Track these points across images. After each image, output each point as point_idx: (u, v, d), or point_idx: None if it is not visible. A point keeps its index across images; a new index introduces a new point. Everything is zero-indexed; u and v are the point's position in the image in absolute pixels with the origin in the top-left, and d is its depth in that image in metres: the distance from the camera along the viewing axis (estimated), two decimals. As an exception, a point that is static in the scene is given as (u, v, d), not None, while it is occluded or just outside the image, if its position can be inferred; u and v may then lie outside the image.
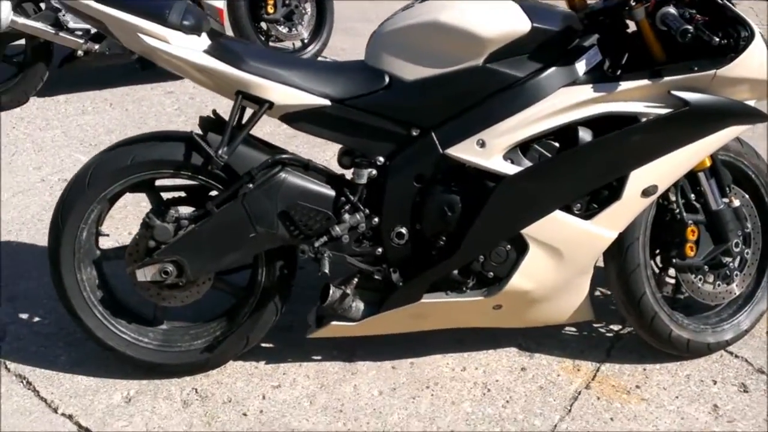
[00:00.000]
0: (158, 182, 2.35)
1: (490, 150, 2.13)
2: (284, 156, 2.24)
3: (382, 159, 2.21)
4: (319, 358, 2.51)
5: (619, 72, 2.12)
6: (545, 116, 2.11)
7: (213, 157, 2.13)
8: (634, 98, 2.10)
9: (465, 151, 2.14)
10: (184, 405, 2.33)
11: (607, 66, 2.16)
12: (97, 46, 4.31)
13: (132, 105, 4.56)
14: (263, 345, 2.52)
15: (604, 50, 2.17)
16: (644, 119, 2.10)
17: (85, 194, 2.24)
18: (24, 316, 2.70)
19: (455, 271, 2.25)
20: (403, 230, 2.22)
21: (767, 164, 2.49)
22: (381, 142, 2.20)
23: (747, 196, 2.45)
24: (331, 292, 2.25)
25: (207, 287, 2.34)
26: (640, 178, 2.14)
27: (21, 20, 4.18)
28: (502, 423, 2.26)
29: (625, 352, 2.53)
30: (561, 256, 2.21)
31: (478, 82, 2.12)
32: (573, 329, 2.63)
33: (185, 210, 2.29)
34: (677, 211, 2.30)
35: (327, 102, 2.16)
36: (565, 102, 2.10)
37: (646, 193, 2.16)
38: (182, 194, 2.40)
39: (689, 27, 1.94)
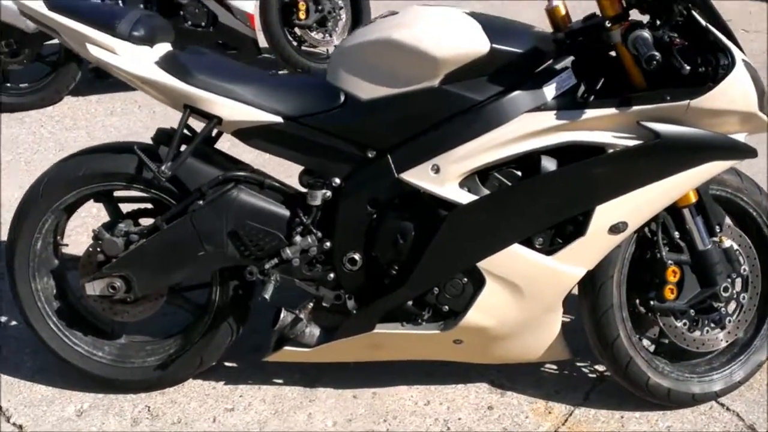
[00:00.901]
0: (118, 194, 2.30)
1: (445, 176, 1.99)
2: (238, 173, 2.16)
3: (338, 180, 2.10)
4: (280, 381, 2.42)
5: (592, 98, 1.95)
6: (505, 143, 1.96)
7: (155, 172, 2.06)
8: (601, 127, 1.93)
9: (419, 177, 2.01)
10: (133, 423, 2.28)
11: (582, 92, 1.99)
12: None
13: (159, 108, 4.54)
14: (227, 364, 2.46)
15: (581, 74, 2.00)
16: (611, 150, 1.93)
17: (39, 204, 2.22)
18: (2, 318, 2.71)
19: (410, 302, 2.12)
20: (356, 256, 2.11)
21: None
22: (336, 163, 2.10)
23: (745, 235, 2.23)
24: (282, 315, 2.16)
25: (160, 303, 2.28)
26: (606, 213, 1.97)
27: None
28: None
29: (605, 396, 2.34)
30: (521, 293, 2.05)
31: (433, 105, 1.99)
32: (553, 366, 2.46)
33: (145, 222, 2.24)
34: (657, 249, 2.11)
35: (279, 119, 2.07)
36: (528, 128, 1.94)
37: (614, 229, 1.99)
38: (149, 206, 2.35)
39: (656, 54, 1.76)
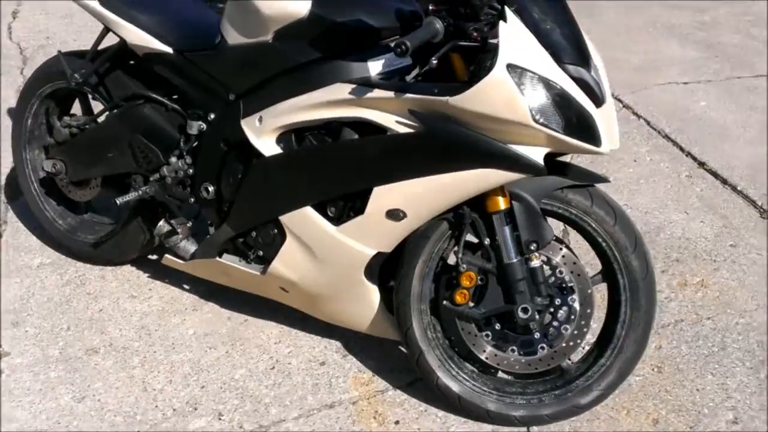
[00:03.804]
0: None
1: (264, 129, 2.12)
2: (148, 92, 2.44)
3: (213, 115, 2.32)
4: (187, 287, 2.72)
5: (395, 79, 1.94)
6: (314, 106, 2.03)
7: (67, 77, 2.46)
8: (384, 109, 1.91)
9: (249, 125, 2.16)
10: (65, 283, 2.77)
11: (417, 73, 1.98)
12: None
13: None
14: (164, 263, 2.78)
15: (420, 56, 1.98)
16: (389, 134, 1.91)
17: (27, 90, 2.74)
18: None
19: (240, 240, 2.30)
20: (210, 187, 2.33)
21: (635, 234, 2.03)
22: (211, 100, 2.31)
23: (579, 263, 2.04)
24: (159, 224, 2.47)
25: (96, 191, 2.71)
26: (383, 196, 1.96)
27: None
28: (248, 398, 2.29)
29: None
30: (315, 256, 2.13)
31: (267, 59, 2.11)
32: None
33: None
34: (456, 250, 2.03)
35: (170, 50, 2.33)
36: (333, 97, 1.99)
37: (392, 215, 1.97)
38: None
39: (404, 41, 1.71)
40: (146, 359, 2.44)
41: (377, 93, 1.90)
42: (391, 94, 1.88)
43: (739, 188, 3.21)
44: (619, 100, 3.95)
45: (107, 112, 2.52)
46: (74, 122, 2.64)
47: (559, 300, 2.04)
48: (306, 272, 2.18)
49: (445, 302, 2.06)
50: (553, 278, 2.05)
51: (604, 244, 2.02)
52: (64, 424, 2.22)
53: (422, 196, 1.93)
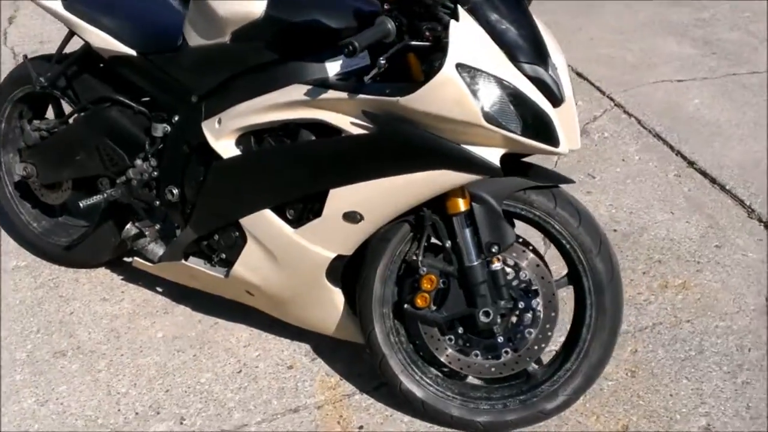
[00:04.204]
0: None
1: (222, 131, 2.09)
2: (115, 95, 2.42)
3: (176, 117, 2.29)
4: (160, 290, 2.69)
5: (352, 80, 1.90)
6: (270, 108, 1.99)
7: (33, 81, 2.44)
8: (340, 110, 1.87)
9: (208, 128, 2.13)
10: (38, 286, 2.75)
11: (375, 74, 1.93)
12: None
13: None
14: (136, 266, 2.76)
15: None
16: (343, 135, 1.87)
17: (0, 95, 2.72)
18: None
19: (204, 243, 2.27)
20: (174, 190, 2.30)
21: (600, 236, 1.97)
22: (175, 102, 2.28)
23: (544, 266, 2.00)
24: (126, 227, 2.45)
25: (67, 194, 2.69)
26: (339, 198, 1.92)
27: None
28: (212, 402, 2.26)
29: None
30: (275, 259, 2.10)
31: (225, 60, 2.08)
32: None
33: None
34: (416, 253, 1.99)
35: (133, 53, 2.30)
36: (289, 99, 1.95)
37: (349, 218, 1.93)
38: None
39: (353, 41, 1.66)
40: (112, 362, 2.42)
41: (332, 94, 1.86)
42: (345, 95, 1.84)
43: (728, 188, 3.13)
44: (611, 99, 3.88)
45: (75, 115, 2.49)
46: (44, 125, 2.62)
47: (522, 303, 1.99)
48: (268, 275, 2.14)
49: (406, 306, 2.02)
50: (516, 281, 2.00)
51: (568, 246, 1.97)
52: (25, 427, 2.20)
53: (378, 198, 1.89)
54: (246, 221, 2.10)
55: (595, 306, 1.99)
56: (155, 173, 2.34)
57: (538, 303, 1.99)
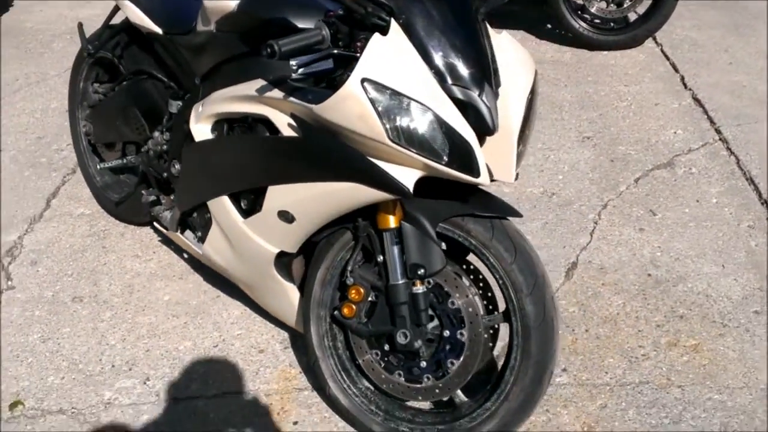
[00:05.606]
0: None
1: (200, 115, 2.19)
2: (149, 69, 2.60)
3: (187, 96, 2.43)
4: (186, 256, 2.88)
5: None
6: (234, 99, 2.06)
7: (83, 47, 2.67)
8: (280, 110, 1.90)
9: (194, 110, 2.24)
10: (83, 236, 3.03)
11: (296, 78, 1.92)
12: None
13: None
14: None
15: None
16: (279, 135, 1.91)
17: (79, 57, 3.00)
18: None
19: (189, 219, 2.40)
20: (177, 165, 2.44)
21: (535, 277, 1.86)
22: (187, 82, 2.42)
23: (471, 297, 1.92)
24: (144, 194, 2.64)
25: (118, 154, 2.92)
26: (275, 196, 1.95)
27: None
28: (179, 370, 2.39)
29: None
30: (230, 243, 2.18)
31: (213, 47, 2.17)
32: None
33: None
34: (348, 260, 1.98)
35: (160, 31, 2.46)
36: (248, 92, 2.01)
37: (283, 216, 1.96)
38: None
39: (274, 43, 1.68)
40: (116, 315, 2.62)
41: (275, 93, 1.89)
42: (282, 95, 1.86)
43: (804, 249, 2.79)
44: (718, 131, 3.55)
45: (119, 83, 2.71)
46: (101, 89, 2.86)
47: (448, 332, 1.93)
48: (229, 259, 2.23)
49: (335, 312, 2.02)
50: (445, 308, 1.94)
51: (500, 282, 1.88)
52: (22, 358, 2.45)
53: (306, 201, 1.90)
54: (211, 204, 2.19)
55: (521, 349, 1.88)
56: (165, 147, 2.49)
57: (463, 335, 1.92)
